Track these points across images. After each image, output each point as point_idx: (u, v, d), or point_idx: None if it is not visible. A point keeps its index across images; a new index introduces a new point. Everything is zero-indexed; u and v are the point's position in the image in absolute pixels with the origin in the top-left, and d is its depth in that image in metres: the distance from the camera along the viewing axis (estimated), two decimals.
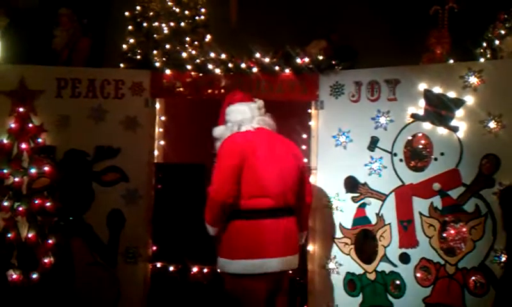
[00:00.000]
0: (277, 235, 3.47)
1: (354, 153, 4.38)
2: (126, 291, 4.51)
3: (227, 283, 3.56)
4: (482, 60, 4.37)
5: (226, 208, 3.42)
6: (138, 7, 5.16)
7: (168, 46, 4.85)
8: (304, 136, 4.66)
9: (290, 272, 3.75)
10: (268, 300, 3.54)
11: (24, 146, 4.51)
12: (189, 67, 4.60)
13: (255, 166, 3.44)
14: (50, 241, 4.46)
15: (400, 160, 4.25)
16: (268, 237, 3.44)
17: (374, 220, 4.31)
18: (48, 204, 4.47)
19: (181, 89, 4.64)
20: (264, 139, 3.59)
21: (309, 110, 4.59)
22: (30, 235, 4.43)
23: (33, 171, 4.48)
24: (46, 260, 4.42)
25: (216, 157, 3.57)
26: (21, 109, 4.53)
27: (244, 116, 3.68)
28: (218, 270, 3.65)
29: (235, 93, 3.89)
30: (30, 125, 4.53)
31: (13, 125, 4.53)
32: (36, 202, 4.45)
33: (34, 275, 4.39)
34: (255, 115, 3.70)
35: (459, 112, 4.08)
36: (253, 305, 3.46)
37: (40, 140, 4.53)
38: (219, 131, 3.74)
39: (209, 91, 4.62)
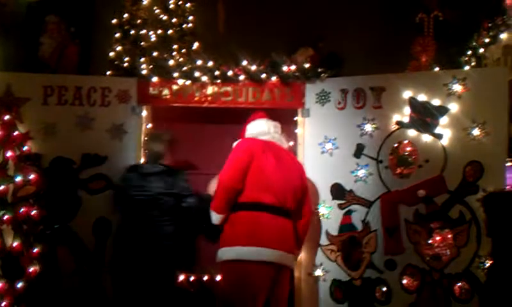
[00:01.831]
0: (274, 228, 3.72)
1: (340, 160, 4.41)
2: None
3: (224, 273, 3.77)
4: (466, 68, 4.41)
5: (234, 193, 3.72)
6: (125, 15, 5.16)
7: (155, 53, 4.86)
8: (291, 143, 4.67)
9: None
10: (264, 294, 3.68)
11: (9, 153, 4.46)
12: (176, 74, 4.61)
13: (262, 166, 3.75)
14: (35, 250, 4.43)
15: (386, 167, 4.28)
16: (265, 229, 3.69)
17: (360, 227, 4.33)
18: (33, 212, 4.43)
19: (168, 96, 4.65)
20: (274, 148, 3.89)
21: (295, 118, 4.61)
22: (15, 244, 4.39)
23: (19, 178, 4.43)
24: (31, 269, 4.39)
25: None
26: (7, 117, 4.49)
27: (261, 129, 4.00)
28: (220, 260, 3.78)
29: (257, 113, 4.16)
30: (16, 133, 4.49)
31: None
32: (22, 210, 4.40)
33: (20, 284, 4.36)
34: (270, 131, 3.99)
35: (444, 120, 4.12)
36: (248, 293, 3.61)
37: (25, 148, 4.49)
38: None
39: (196, 98, 4.63)
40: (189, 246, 4.33)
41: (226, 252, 3.71)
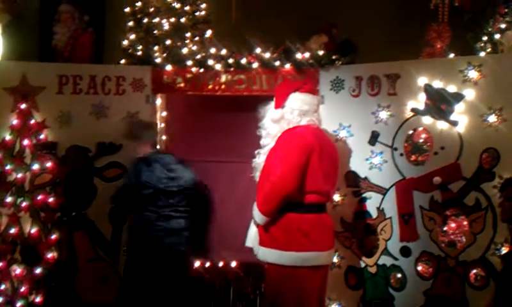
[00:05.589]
0: (327, 228, 3.65)
1: (354, 148, 4.40)
2: None
3: (277, 275, 3.52)
4: (482, 54, 4.37)
5: (287, 200, 3.47)
6: (138, 3, 5.15)
7: (168, 42, 4.86)
8: None
9: None
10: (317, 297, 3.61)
11: (26, 142, 4.53)
12: (189, 63, 4.62)
13: (315, 164, 3.51)
14: (53, 236, 4.50)
15: (401, 154, 4.26)
16: (321, 230, 3.57)
17: (374, 214, 4.33)
18: (50, 200, 4.51)
19: (182, 84, 4.66)
20: (323, 137, 3.70)
21: None
22: (33, 231, 4.47)
23: (36, 167, 4.51)
24: (49, 255, 4.46)
25: (279, 146, 3.57)
26: (23, 106, 4.55)
27: (310, 108, 3.72)
28: (265, 260, 3.59)
29: (304, 82, 3.93)
30: (32, 122, 4.56)
31: (15, 122, 4.55)
32: (39, 198, 4.49)
33: (38, 270, 4.43)
34: (317, 110, 3.78)
35: (459, 107, 4.08)
36: (306, 297, 3.49)
37: (41, 136, 4.56)
38: (278, 114, 3.71)
39: (210, 86, 4.64)
40: (200, 231, 4.36)
41: (284, 257, 3.47)
